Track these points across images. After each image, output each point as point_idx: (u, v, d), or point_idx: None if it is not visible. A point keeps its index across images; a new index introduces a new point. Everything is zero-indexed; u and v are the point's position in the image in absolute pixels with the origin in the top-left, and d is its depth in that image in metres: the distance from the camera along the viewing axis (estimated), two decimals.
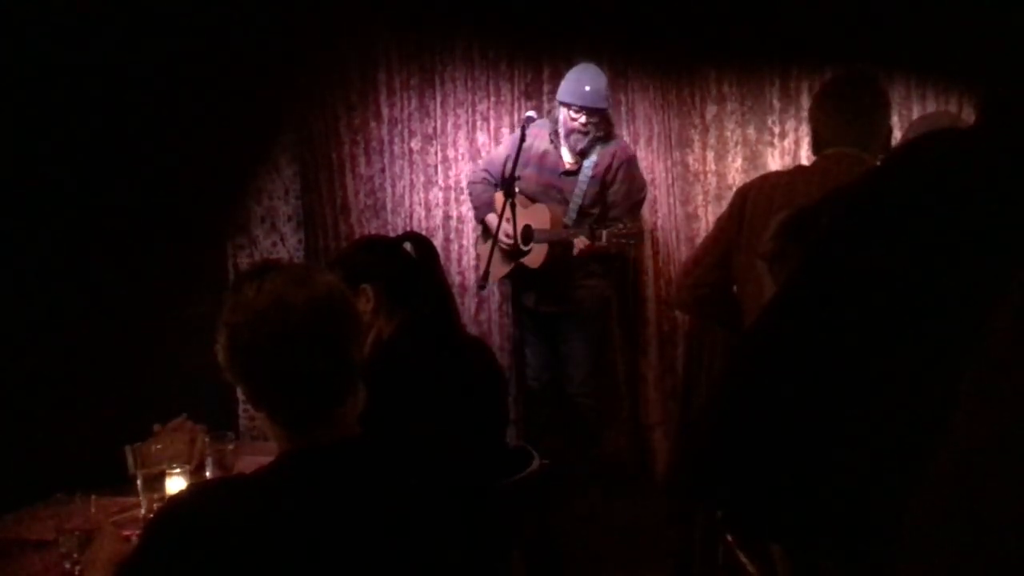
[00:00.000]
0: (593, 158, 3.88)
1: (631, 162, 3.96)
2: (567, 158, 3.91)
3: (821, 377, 1.24)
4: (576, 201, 3.88)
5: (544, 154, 3.92)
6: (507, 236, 3.73)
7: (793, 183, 2.37)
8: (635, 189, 3.94)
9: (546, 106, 4.38)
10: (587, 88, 3.78)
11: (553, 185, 3.90)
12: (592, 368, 4.10)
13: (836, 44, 4.19)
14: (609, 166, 3.88)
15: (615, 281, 4.29)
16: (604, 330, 4.37)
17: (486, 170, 4.09)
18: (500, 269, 3.89)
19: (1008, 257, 1.10)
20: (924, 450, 1.04)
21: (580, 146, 3.84)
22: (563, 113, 3.84)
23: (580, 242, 3.69)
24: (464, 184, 4.32)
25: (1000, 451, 0.95)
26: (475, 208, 4.14)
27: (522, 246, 3.80)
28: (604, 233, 3.63)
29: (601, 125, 3.86)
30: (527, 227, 3.81)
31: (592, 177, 3.87)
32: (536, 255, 3.83)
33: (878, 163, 2.36)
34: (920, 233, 1.20)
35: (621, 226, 3.64)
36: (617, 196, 3.89)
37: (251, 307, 1.31)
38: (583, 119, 3.78)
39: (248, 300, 1.32)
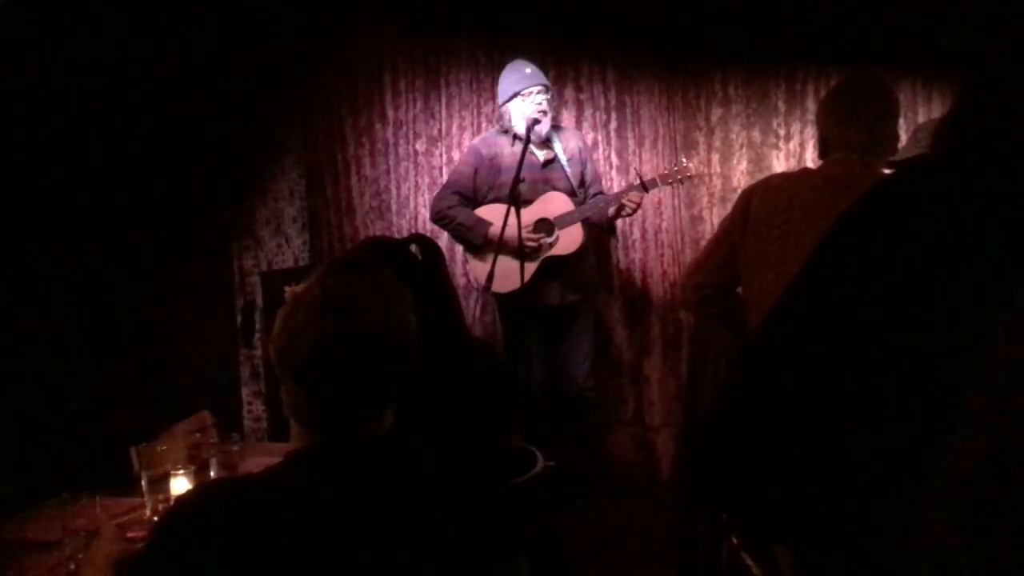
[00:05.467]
0: (558, 144, 3.93)
1: (586, 142, 4.15)
2: (537, 152, 3.91)
3: (827, 378, 1.24)
4: (575, 181, 3.92)
5: (518, 155, 3.88)
6: (531, 235, 3.72)
7: (797, 186, 2.37)
8: (596, 166, 4.12)
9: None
10: (528, 70, 3.87)
11: (538, 179, 3.88)
12: (594, 363, 4.13)
13: (842, 47, 4.18)
14: (580, 147, 3.99)
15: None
16: (607, 327, 4.48)
17: (456, 192, 3.94)
18: (516, 276, 3.67)
19: (1015, 263, 1.10)
20: (932, 452, 1.04)
21: (545, 131, 3.84)
22: (519, 106, 3.82)
23: (635, 196, 3.81)
24: (433, 216, 4.03)
25: (1008, 454, 0.95)
26: (467, 228, 3.87)
27: (548, 239, 3.80)
28: (656, 178, 3.88)
29: (553, 103, 3.94)
30: (542, 220, 3.81)
31: (570, 160, 3.93)
32: (569, 240, 3.81)
33: (884, 170, 2.36)
34: (921, 241, 1.20)
35: (675, 166, 3.94)
36: (592, 175, 4.02)
37: (309, 327, 1.30)
38: (540, 99, 3.82)
39: (314, 303, 1.31)
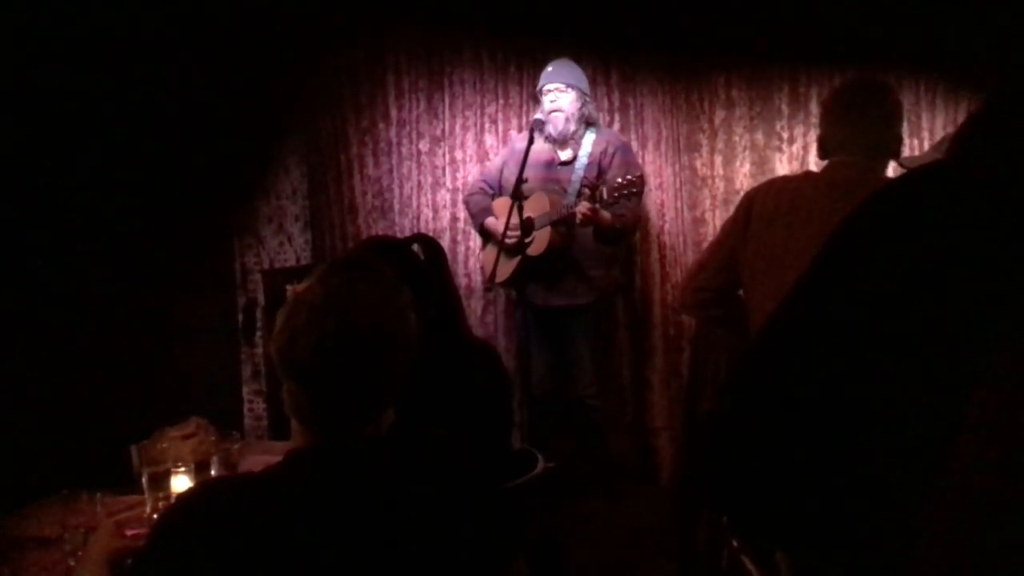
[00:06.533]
0: (587, 148, 3.92)
1: (626, 148, 4.04)
2: (559, 151, 3.95)
3: (829, 383, 1.24)
4: (575, 186, 3.90)
5: (539, 152, 3.92)
6: (511, 231, 3.74)
7: (800, 189, 2.37)
8: (632, 174, 3.90)
9: None
10: (550, 69, 3.94)
11: (550, 178, 3.92)
12: (597, 369, 4.11)
13: (845, 50, 4.18)
14: (604, 151, 3.94)
15: (621, 275, 4.31)
16: (608, 330, 4.40)
17: (483, 181, 4.17)
18: (506, 269, 3.91)
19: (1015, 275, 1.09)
20: (934, 456, 1.04)
21: (560, 127, 3.86)
22: (542, 105, 3.95)
23: (582, 207, 3.68)
24: (462, 198, 4.35)
25: (1013, 460, 0.95)
26: (472, 216, 4.16)
27: (524, 239, 3.81)
28: (604, 190, 3.68)
29: (577, 103, 3.90)
30: (527, 219, 3.83)
31: (588, 164, 3.91)
32: (539, 242, 3.83)
33: (886, 174, 2.35)
34: (927, 245, 1.19)
35: (620, 180, 3.66)
36: (615, 181, 3.89)
37: (313, 321, 1.30)
38: (553, 97, 3.87)
39: (316, 304, 1.31)
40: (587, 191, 3.73)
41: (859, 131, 2.31)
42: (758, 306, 2.37)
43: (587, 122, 3.96)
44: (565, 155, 3.94)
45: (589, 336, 4.05)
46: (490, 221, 4.00)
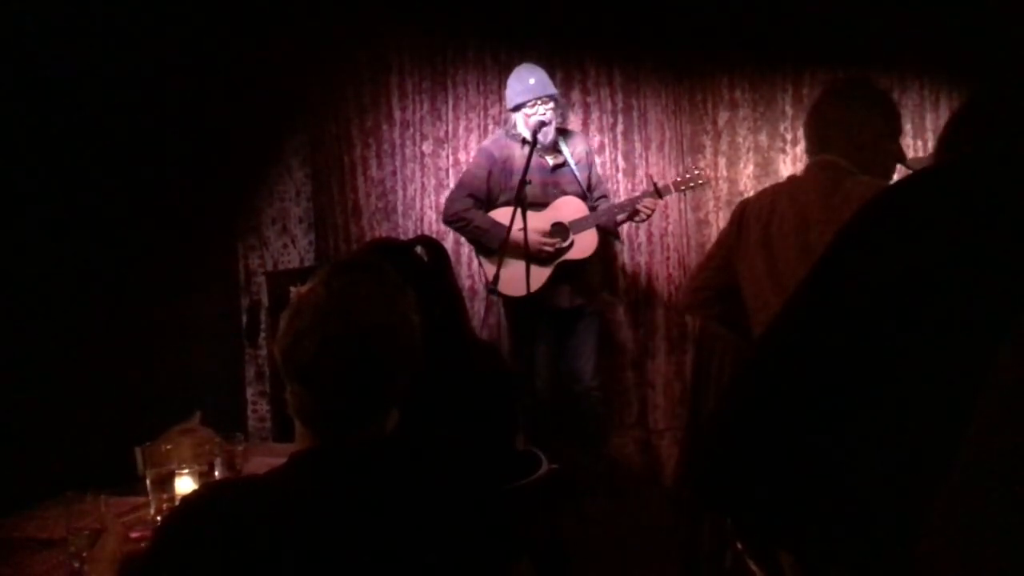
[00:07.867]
0: (567, 150, 3.95)
1: (591, 146, 4.20)
2: (546, 156, 3.93)
3: (833, 384, 1.24)
4: (584, 186, 3.94)
5: (527, 160, 3.88)
6: (548, 240, 3.76)
7: (778, 194, 2.46)
8: (600, 170, 4.13)
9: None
10: (532, 81, 3.84)
11: (548, 183, 3.91)
12: (599, 362, 4.14)
13: (849, 51, 4.18)
14: (585, 151, 4.02)
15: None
16: (612, 331, 4.48)
17: (470, 195, 3.94)
18: (536, 278, 3.71)
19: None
20: (938, 459, 1.04)
21: (551, 137, 3.85)
22: (523, 116, 3.85)
23: (650, 203, 3.84)
24: (447, 218, 4.02)
25: (1016, 462, 0.95)
26: (484, 231, 3.84)
27: (563, 244, 3.81)
28: (670, 185, 3.88)
29: (557, 110, 3.88)
30: (557, 224, 3.82)
31: (578, 163, 3.95)
32: (585, 244, 3.84)
33: (860, 174, 2.34)
34: (928, 249, 1.19)
35: (685, 175, 3.92)
36: (596, 178, 4.06)
37: (316, 322, 1.30)
38: (542, 109, 3.81)
39: (320, 303, 1.31)
40: (652, 187, 3.89)
41: (826, 131, 2.39)
42: (754, 307, 2.42)
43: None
44: (553, 159, 3.94)
45: (596, 328, 4.10)
46: (514, 234, 3.66)
